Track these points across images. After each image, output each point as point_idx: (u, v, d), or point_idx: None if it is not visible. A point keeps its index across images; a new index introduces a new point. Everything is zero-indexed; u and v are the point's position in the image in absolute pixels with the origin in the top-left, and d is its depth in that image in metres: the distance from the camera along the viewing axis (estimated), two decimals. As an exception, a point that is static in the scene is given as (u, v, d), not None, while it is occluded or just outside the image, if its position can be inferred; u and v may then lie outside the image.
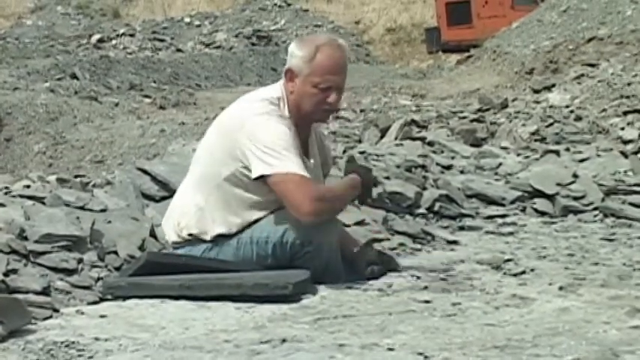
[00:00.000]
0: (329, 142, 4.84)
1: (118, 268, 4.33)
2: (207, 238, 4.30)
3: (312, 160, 4.43)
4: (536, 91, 14.28)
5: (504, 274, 4.53)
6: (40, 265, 4.17)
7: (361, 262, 4.40)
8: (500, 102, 11.58)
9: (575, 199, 6.38)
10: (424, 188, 6.24)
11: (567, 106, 11.31)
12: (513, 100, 12.43)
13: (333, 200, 4.24)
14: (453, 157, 7.67)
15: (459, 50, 25.94)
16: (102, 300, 4.04)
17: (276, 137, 4.16)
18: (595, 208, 6.28)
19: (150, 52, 25.70)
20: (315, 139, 4.53)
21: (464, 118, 10.43)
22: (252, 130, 4.19)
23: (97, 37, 27.61)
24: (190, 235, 4.32)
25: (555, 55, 17.31)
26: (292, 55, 4.34)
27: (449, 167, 7.22)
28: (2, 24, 33.51)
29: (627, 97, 11.15)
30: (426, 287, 4.20)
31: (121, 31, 28.62)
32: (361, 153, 7.00)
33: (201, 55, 25.71)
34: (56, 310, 3.78)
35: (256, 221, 4.26)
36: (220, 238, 4.29)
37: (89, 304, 3.97)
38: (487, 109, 11.22)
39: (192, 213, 4.31)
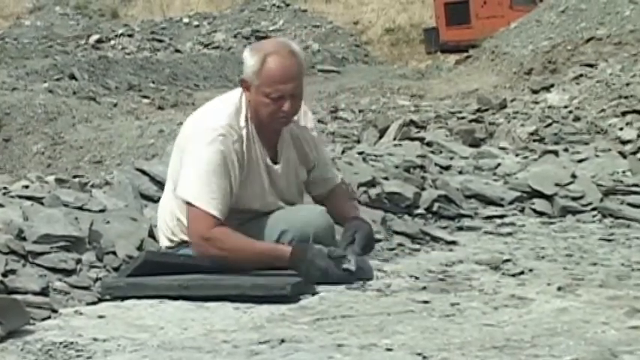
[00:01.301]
0: (318, 138, 4.72)
1: (116, 269, 4.33)
2: None
3: (279, 165, 4.38)
4: (535, 92, 14.29)
5: (503, 274, 4.53)
6: (38, 265, 4.17)
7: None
8: (499, 102, 11.58)
9: (574, 199, 6.38)
10: (423, 189, 6.24)
11: (566, 107, 11.31)
12: (512, 101, 12.43)
13: (226, 249, 4.13)
14: (451, 158, 7.67)
15: (457, 50, 25.94)
16: (100, 300, 4.04)
17: (199, 162, 4.15)
18: (593, 209, 6.28)
19: (148, 53, 25.72)
20: (292, 140, 4.47)
21: (462, 118, 10.43)
22: (189, 150, 4.22)
23: (95, 37, 27.63)
24: (181, 239, 4.34)
25: (554, 55, 17.31)
26: (244, 63, 4.29)
27: (447, 167, 7.22)
28: (1, 24, 33.51)
29: (626, 97, 11.15)
30: (424, 287, 4.19)
31: (120, 31, 28.65)
32: (360, 153, 7.00)
33: (200, 56, 25.72)
34: (55, 311, 3.78)
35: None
36: None
37: (88, 304, 3.97)
38: (486, 110, 11.22)
39: (174, 223, 4.34)
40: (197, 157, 4.17)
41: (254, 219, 4.32)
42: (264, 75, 4.20)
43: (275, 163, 4.38)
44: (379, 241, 5.17)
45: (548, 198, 6.43)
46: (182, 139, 4.34)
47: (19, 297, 3.75)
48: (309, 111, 4.62)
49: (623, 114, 10.19)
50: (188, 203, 4.18)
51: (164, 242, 4.41)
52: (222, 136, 4.18)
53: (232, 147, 4.19)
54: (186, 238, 4.32)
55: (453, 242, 5.40)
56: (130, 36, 28.08)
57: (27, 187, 5.19)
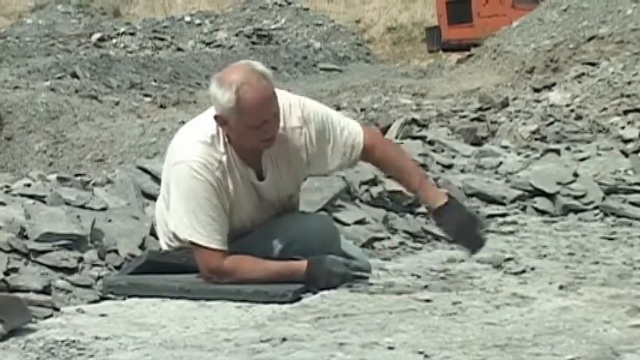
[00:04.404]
0: (317, 125, 4.48)
1: (118, 267, 4.34)
2: None
3: (265, 180, 4.24)
4: (537, 90, 14.27)
5: (505, 273, 4.53)
6: (40, 263, 4.17)
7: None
8: (501, 101, 11.57)
9: (576, 198, 6.38)
10: (425, 187, 6.23)
11: (568, 105, 11.31)
12: (514, 99, 12.42)
13: (239, 279, 4.08)
14: (453, 156, 7.67)
15: (459, 49, 25.90)
16: (102, 299, 4.04)
17: (187, 198, 4.08)
18: (595, 207, 6.28)
19: (150, 51, 25.70)
20: (279, 149, 4.25)
21: (464, 117, 10.43)
22: (172, 182, 4.15)
23: (97, 35, 27.60)
24: (179, 245, 4.30)
25: (556, 54, 17.29)
26: (215, 100, 4.10)
27: (449, 166, 7.22)
28: (3, 23, 33.51)
29: (628, 96, 11.14)
30: (426, 286, 4.20)
31: (122, 29, 28.63)
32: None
33: (202, 54, 25.70)
34: (56, 309, 3.79)
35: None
36: None
37: (89, 302, 3.97)
38: (487, 108, 11.21)
39: (168, 230, 4.31)
40: (184, 194, 4.09)
41: (251, 232, 4.29)
42: (242, 109, 4.03)
43: (261, 179, 4.25)
44: (381, 239, 5.18)
45: (550, 197, 6.43)
46: (167, 160, 4.26)
47: (21, 295, 3.76)
48: (295, 103, 4.32)
49: (625, 113, 10.19)
50: (189, 241, 4.14)
51: (164, 246, 4.38)
52: (203, 166, 4.08)
53: (214, 175, 4.09)
54: (181, 244, 4.27)
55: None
56: (131, 34, 28.06)
57: (29, 185, 5.19)
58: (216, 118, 4.12)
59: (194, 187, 4.08)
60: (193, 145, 4.13)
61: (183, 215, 4.10)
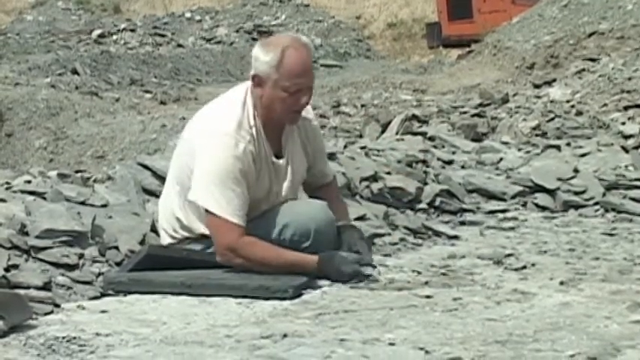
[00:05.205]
0: (318, 130, 4.73)
1: (119, 264, 4.33)
2: (199, 237, 4.31)
3: (283, 159, 4.36)
4: (537, 86, 14.28)
5: (505, 268, 4.53)
6: (41, 260, 4.17)
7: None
8: (501, 97, 11.58)
9: (576, 193, 6.38)
10: (425, 183, 6.24)
11: (568, 101, 11.32)
12: (514, 95, 12.43)
13: (253, 260, 4.10)
14: (453, 152, 7.67)
15: (459, 45, 25.89)
16: (103, 295, 4.04)
17: (216, 169, 4.12)
18: (596, 203, 6.27)
19: (151, 48, 25.71)
20: (299, 134, 4.46)
21: (465, 113, 10.43)
22: (200, 152, 4.18)
23: (97, 32, 27.61)
24: (183, 236, 4.33)
25: (556, 49, 17.28)
26: (257, 59, 4.24)
27: (450, 162, 7.21)
28: (3, 19, 33.51)
29: (628, 91, 11.15)
30: (427, 282, 4.20)
31: (122, 26, 28.63)
32: (362, 148, 6.99)
33: (202, 50, 25.70)
34: (57, 306, 3.78)
35: None
36: None
37: (90, 299, 3.97)
38: (488, 104, 11.21)
39: (174, 220, 4.33)
40: (213, 164, 4.13)
41: (273, 208, 4.31)
42: (283, 69, 4.18)
43: (279, 158, 4.36)
44: (382, 235, 5.17)
45: (551, 192, 6.42)
46: (190, 139, 4.29)
47: (21, 292, 3.76)
48: None
49: (626, 108, 10.20)
50: (209, 212, 4.14)
51: (166, 239, 4.40)
52: (236, 141, 4.15)
53: (247, 150, 4.17)
54: (187, 234, 4.32)
55: (456, 237, 5.39)
56: (132, 31, 28.05)
57: (29, 182, 5.19)
58: (253, 77, 4.24)
59: (226, 160, 4.13)
60: (227, 117, 4.22)
61: (210, 185, 4.12)
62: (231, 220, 4.10)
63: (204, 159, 4.15)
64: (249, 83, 4.33)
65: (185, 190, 4.25)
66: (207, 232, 4.25)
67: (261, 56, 4.22)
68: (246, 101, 4.27)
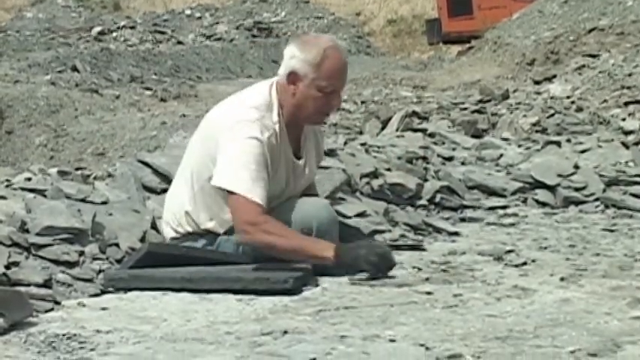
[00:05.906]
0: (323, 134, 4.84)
1: (119, 261, 4.34)
2: (203, 233, 4.32)
3: (302, 160, 4.41)
4: (537, 82, 14.29)
5: (505, 265, 4.53)
6: (41, 257, 4.17)
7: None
8: (501, 93, 11.57)
9: (577, 190, 6.38)
10: (425, 180, 6.24)
11: (568, 97, 11.31)
12: (514, 91, 12.43)
13: (273, 233, 4.09)
14: (454, 149, 7.67)
15: (459, 41, 25.93)
16: (103, 292, 4.04)
17: (241, 152, 4.13)
18: (596, 199, 6.27)
19: (150, 45, 25.72)
20: (313, 135, 4.52)
21: (465, 109, 10.42)
22: (226, 138, 4.17)
23: (97, 29, 27.62)
24: (187, 231, 4.34)
25: (556, 46, 17.29)
26: (294, 56, 4.26)
27: (450, 158, 7.21)
28: (3, 17, 33.51)
29: (628, 87, 11.15)
30: (427, 279, 4.20)
31: (122, 23, 28.64)
32: (362, 144, 6.99)
33: (202, 47, 25.72)
34: (58, 303, 3.79)
35: None
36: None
37: (90, 296, 3.97)
38: (488, 101, 11.21)
39: (182, 214, 4.34)
40: (237, 148, 4.13)
41: (277, 204, 4.32)
42: (324, 68, 4.21)
43: (298, 158, 4.40)
44: (382, 232, 5.18)
45: (551, 189, 6.42)
46: (210, 130, 4.29)
47: (22, 289, 3.76)
48: None
49: (626, 104, 10.19)
50: (230, 192, 4.13)
51: (169, 233, 4.41)
52: (260, 129, 4.17)
53: (268, 141, 4.19)
54: (191, 229, 4.32)
55: (456, 233, 5.40)
56: (132, 28, 28.06)
57: (29, 179, 5.19)
58: (289, 74, 4.25)
59: (250, 143, 4.13)
60: (252, 107, 4.24)
61: (233, 167, 4.12)
62: (251, 197, 4.10)
63: (227, 144, 4.16)
64: (270, 81, 4.35)
65: (201, 181, 4.26)
66: (211, 227, 4.26)
67: (299, 53, 4.24)
68: (271, 98, 4.29)
